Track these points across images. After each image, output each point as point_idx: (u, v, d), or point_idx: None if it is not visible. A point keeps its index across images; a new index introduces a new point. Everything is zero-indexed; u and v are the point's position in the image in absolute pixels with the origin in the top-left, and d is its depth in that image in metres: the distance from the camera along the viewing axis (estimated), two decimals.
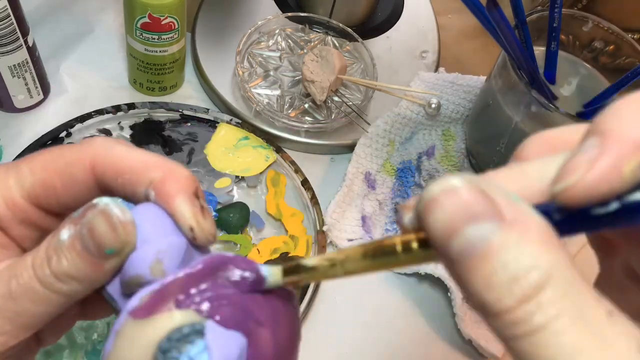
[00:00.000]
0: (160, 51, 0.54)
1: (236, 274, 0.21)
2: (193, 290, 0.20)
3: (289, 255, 0.50)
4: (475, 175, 0.18)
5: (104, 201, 0.22)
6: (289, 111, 0.58)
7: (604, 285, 0.24)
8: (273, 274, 0.21)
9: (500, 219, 0.17)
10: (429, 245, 0.18)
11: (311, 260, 0.20)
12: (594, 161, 0.17)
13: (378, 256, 0.19)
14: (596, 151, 0.17)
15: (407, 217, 0.19)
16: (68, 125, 0.52)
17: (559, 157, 0.19)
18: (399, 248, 0.18)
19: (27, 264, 0.22)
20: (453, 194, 0.17)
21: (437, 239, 0.17)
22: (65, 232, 0.22)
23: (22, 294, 0.22)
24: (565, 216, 0.18)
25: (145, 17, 0.51)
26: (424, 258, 0.18)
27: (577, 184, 0.17)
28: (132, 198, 0.24)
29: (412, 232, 0.19)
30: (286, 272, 0.21)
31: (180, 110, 0.55)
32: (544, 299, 0.16)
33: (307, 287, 0.48)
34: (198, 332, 0.20)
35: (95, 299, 0.24)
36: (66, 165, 0.24)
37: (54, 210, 0.25)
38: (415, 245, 0.18)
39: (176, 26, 0.52)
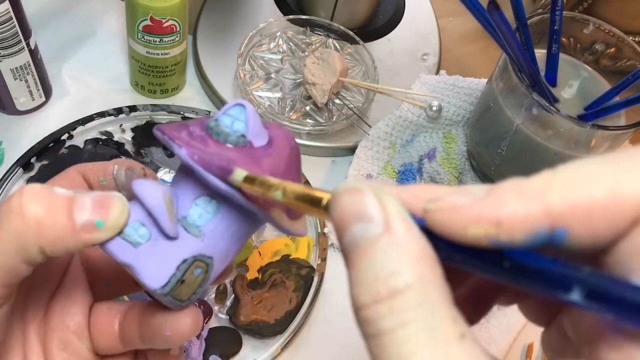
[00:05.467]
0: (161, 54, 0.54)
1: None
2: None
3: (290, 257, 0.50)
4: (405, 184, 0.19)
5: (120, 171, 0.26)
6: (290, 114, 0.58)
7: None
8: (237, 176, 0.24)
9: (386, 225, 0.18)
10: None
11: (265, 178, 0.23)
12: (461, 206, 0.18)
13: (302, 199, 0.21)
14: (467, 200, 0.18)
15: None
16: (70, 128, 0.52)
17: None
18: (321, 199, 0.20)
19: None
20: (354, 193, 0.19)
21: (336, 229, 0.19)
22: (62, 189, 0.24)
23: None
24: (439, 239, 0.18)
25: (147, 19, 0.51)
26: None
27: (435, 212, 0.18)
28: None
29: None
30: (245, 179, 0.24)
31: (182, 113, 0.55)
32: (397, 304, 0.17)
33: (309, 288, 0.48)
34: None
35: None
36: (62, 177, 0.30)
37: None
38: (324, 203, 0.20)
39: (178, 29, 0.53)
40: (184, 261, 0.25)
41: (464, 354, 0.16)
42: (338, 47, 0.63)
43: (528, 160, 0.51)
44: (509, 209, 0.17)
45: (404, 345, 0.16)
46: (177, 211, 0.25)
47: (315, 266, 0.50)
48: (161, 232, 0.25)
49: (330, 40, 0.63)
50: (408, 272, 0.17)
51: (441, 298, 0.17)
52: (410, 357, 0.16)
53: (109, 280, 0.31)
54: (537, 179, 0.17)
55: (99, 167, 0.30)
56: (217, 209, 0.25)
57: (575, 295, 0.16)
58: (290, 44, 0.63)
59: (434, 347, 0.16)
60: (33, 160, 0.50)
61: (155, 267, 0.24)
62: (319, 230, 0.52)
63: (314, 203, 0.21)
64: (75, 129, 0.52)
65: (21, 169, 0.49)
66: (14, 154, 0.51)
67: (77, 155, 0.52)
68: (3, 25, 0.47)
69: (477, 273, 0.18)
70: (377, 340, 0.17)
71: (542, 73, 0.52)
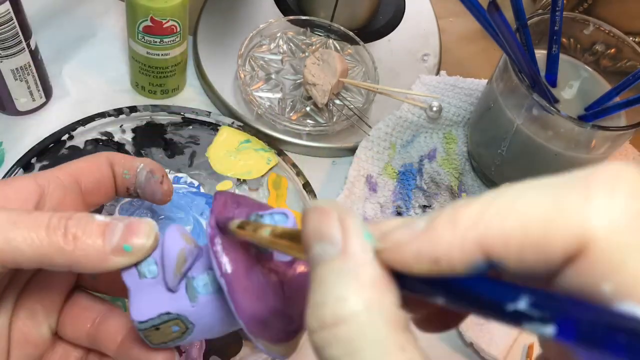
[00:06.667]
0: (162, 54, 0.54)
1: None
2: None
3: None
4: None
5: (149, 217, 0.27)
6: (291, 114, 0.58)
7: None
8: (232, 225, 0.25)
9: (343, 247, 0.17)
10: None
11: (258, 223, 0.24)
12: (403, 243, 0.17)
13: (286, 235, 0.22)
14: (408, 236, 0.17)
15: None
16: (70, 128, 0.52)
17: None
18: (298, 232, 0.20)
19: (45, 213, 0.25)
20: (319, 212, 0.18)
21: (305, 245, 0.19)
22: (102, 217, 0.26)
23: (23, 226, 0.24)
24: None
25: (147, 20, 0.51)
26: None
27: (382, 252, 0.18)
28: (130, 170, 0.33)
29: None
30: (239, 225, 0.24)
31: (182, 114, 0.55)
32: (341, 333, 0.16)
33: None
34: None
35: None
36: (93, 158, 0.32)
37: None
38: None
39: (178, 29, 0.53)
40: (168, 314, 0.26)
41: None
42: (338, 48, 0.63)
43: (528, 160, 0.51)
44: (443, 245, 0.16)
45: None
46: (190, 268, 0.26)
47: None
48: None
49: (331, 40, 0.63)
50: (355, 299, 0.16)
51: (390, 326, 0.16)
52: None
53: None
54: (474, 206, 0.16)
55: (126, 161, 0.32)
56: (220, 290, 0.26)
57: (522, 304, 0.15)
58: (291, 44, 0.63)
59: None
60: (33, 160, 0.50)
61: (144, 303, 0.26)
62: None
63: (297, 239, 0.20)
64: (75, 129, 0.52)
65: (21, 169, 0.49)
66: (14, 155, 0.51)
67: (77, 156, 0.52)
68: (3, 26, 0.47)
69: (434, 301, 0.18)
70: None
71: (542, 73, 0.52)
